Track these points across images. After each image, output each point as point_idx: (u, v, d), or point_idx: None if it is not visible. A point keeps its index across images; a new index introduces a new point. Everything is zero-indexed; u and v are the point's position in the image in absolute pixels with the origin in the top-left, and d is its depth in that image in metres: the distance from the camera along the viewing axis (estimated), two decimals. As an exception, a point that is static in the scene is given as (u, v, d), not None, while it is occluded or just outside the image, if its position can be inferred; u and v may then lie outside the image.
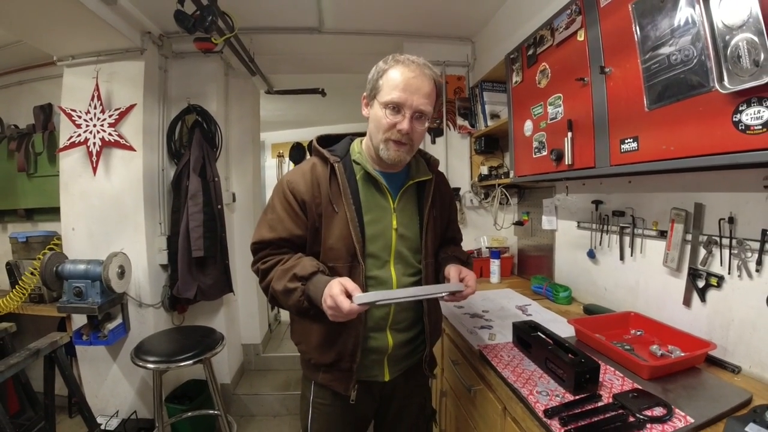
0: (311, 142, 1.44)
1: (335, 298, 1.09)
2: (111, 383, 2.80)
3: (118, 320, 2.64)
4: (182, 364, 2.26)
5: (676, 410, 1.09)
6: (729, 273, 1.41)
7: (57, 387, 2.15)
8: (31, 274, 2.57)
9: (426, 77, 1.25)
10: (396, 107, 1.22)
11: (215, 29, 2.37)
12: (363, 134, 1.43)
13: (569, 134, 1.69)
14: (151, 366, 2.22)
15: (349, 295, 1.10)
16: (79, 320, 2.62)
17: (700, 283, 1.52)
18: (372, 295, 1.11)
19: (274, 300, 1.30)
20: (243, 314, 3.67)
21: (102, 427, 2.50)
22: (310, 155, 1.43)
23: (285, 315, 5.01)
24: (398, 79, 1.22)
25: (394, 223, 1.35)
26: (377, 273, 1.32)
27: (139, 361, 2.23)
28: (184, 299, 2.85)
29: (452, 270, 1.35)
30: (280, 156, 7.20)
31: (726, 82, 1.03)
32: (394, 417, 1.52)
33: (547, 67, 1.88)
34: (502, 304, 2.19)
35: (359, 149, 1.38)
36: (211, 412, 2.60)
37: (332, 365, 1.33)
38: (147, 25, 2.70)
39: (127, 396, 2.81)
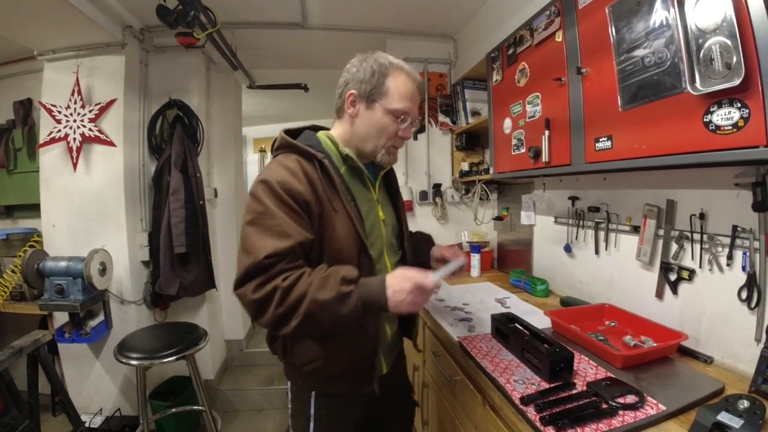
0: (276, 139, 1.33)
1: (415, 279, 1.09)
2: (94, 381, 2.78)
3: (100, 317, 2.63)
4: (166, 360, 2.26)
5: (648, 398, 1.12)
6: (700, 267, 1.45)
7: (40, 385, 2.14)
8: (12, 272, 2.54)
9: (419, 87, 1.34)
10: (404, 117, 1.28)
11: (197, 24, 2.35)
12: (320, 128, 1.40)
13: (546, 132, 1.74)
14: (134, 362, 2.21)
15: None
16: (61, 318, 2.60)
17: (672, 276, 1.56)
18: (438, 273, 1.19)
19: (309, 319, 1.07)
20: (226, 310, 3.66)
21: (86, 425, 2.50)
22: (278, 150, 1.31)
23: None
24: (407, 88, 1.28)
25: (381, 213, 1.37)
26: (378, 266, 1.31)
27: (122, 357, 2.23)
28: (166, 296, 2.83)
29: (444, 251, 1.50)
30: (263, 151, 7.17)
31: (698, 84, 1.07)
32: (388, 408, 1.52)
33: (527, 66, 1.93)
34: (482, 297, 2.23)
35: (339, 143, 1.32)
36: (196, 408, 2.61)
37: (352, 369, 1.26)
38: (128, 19, 2.68)
39: (110, 393, 2.80)
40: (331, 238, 1.19)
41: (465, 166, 3.13)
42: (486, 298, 2.23)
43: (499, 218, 2.97)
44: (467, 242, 3.03)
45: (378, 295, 1.10)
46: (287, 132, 1.32)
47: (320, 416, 1.33)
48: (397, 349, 1.52)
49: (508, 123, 2.10)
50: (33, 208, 2.92)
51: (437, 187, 3.28)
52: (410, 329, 1.52)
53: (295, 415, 1.39)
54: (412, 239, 1.58)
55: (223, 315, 3.64)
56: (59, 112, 2.61)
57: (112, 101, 2.67)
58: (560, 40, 1.65)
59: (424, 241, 1.64)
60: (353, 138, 1.32)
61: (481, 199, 3.01)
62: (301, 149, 1.25)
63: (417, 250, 1.55)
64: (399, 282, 1.10)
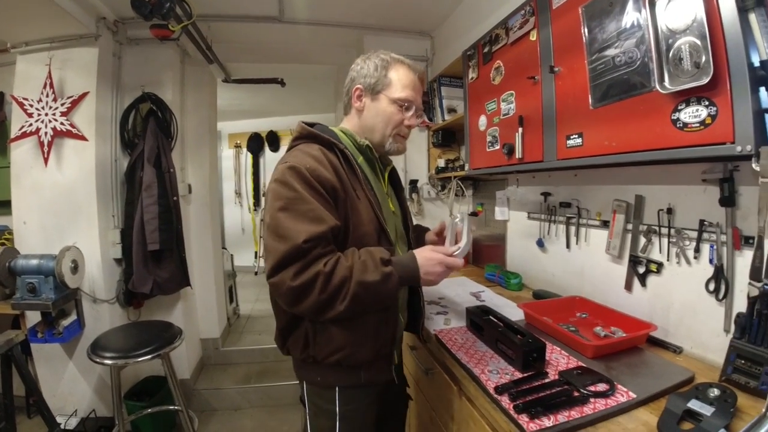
0: (298, 128, 1.34)
1: (445, 262, 1.20)
2: (68, 381, 2.73)
3: (73, 317, 2.58)
4: (140, 359, 2.22)
5: (619, 386, 1.15)
6: (668, 260, 1.50)
7: (14, 387, 2.09)
8: (-17, 270, 2.46)
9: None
10: (408, 105, 1.35)
11: (172, 16, 2.33)
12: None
13: (520, 129, 1.77)
14: (108, 362, 2.17)
15: None
16: (33, 317, 2.54)
17: (640, 269, 1.61)
18: (461, 251, 1.28)
19: (354, 301, 1.11)
20: (201, 308, 3.62)
21: (62, 426, 2.44)
22: (298, 140, 1.34)
23: (244, 309, 4.94)
24: (408, 78, 1.36)
25: (391, 205, 1.42)
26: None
27: (96, 357, 2.19)
28: (139, 294, 2.79)
29: (434, 233, 1.58)
30: (238, 146, 7.09)
31: (667, 83, 1.11)
32: (393, 400, 1.55)
33: (501, 64, 1.96)
34: (458, 291, 2.26)
35: (354, 136, 1.37)
36: (172, 407, 2.58)
37: (375, 357, 1.28)
38: (102, 11, 2.63)
39: (85, 394, 2.75)
40: (357, 223, 1.22)
41: (441, 163, 3.16)
42: (461, 292, 2.26)
43: (474, 214, 3.01)
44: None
45: (410, 271, 1.18)
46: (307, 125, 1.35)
47: (345, 412, 1.31)
48: (402, 340, 1.58)
49: (483, 120, 2.14)
50: (4, 205, 2.84)
51: (414, 183, 3.31)
52: (417, 322, 1.54)
53: (316, 415, 1.36)
54: (414, 231, 1.63)
55: (198, 313, 3.60)
56: (31, 106, 2.55)
57: (85, 94, 2.61)
58: (534, 39, 1.69)
59: (423, 232, 1.70)
60: (362, 130, 1.38)
61: (456, 195, 3.04)
62: (322, 139, 1.28)
63: (418, 243, 1.58)
64: (431, 266, 1.20)
